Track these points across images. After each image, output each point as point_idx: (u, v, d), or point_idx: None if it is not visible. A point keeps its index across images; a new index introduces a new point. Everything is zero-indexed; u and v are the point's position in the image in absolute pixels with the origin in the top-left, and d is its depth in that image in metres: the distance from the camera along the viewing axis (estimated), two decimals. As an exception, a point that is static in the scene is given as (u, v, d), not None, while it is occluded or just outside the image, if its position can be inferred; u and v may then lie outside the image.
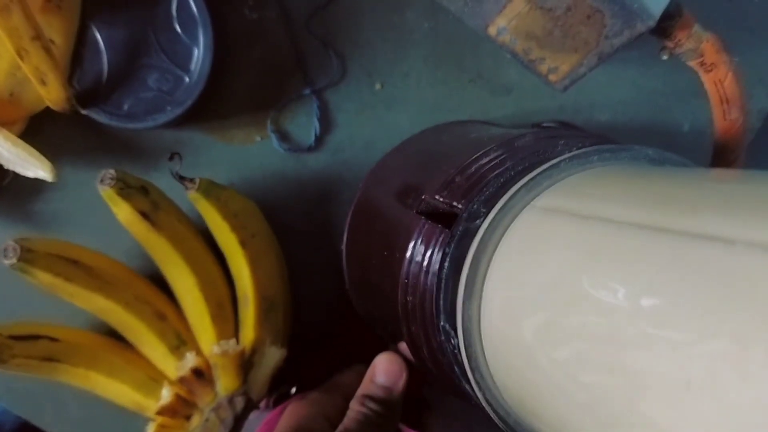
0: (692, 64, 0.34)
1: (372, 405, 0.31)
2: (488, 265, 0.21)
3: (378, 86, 0.40)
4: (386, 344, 0.37)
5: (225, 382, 0.33)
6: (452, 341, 0.21)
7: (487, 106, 0.41)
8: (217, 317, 0.35)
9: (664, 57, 0.34)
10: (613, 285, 0.16)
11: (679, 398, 0.14)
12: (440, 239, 0.24)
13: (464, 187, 0.24)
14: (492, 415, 0.21)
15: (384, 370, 0.32)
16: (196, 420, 0.33)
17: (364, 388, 0.32)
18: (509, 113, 0.41)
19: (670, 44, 0.33)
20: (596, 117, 0.41)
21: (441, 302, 0.22)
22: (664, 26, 0.33)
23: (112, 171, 0.32)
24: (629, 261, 0.15)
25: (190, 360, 0.34)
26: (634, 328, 0.15)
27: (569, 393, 0.17)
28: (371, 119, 0.40)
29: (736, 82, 0.34)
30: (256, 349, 0.35)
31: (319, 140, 0.40)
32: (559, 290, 0.18)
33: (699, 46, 0.33)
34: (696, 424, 0.13)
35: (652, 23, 0.31)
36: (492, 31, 0.34)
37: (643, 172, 0.19)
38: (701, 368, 0.13)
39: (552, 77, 0.35)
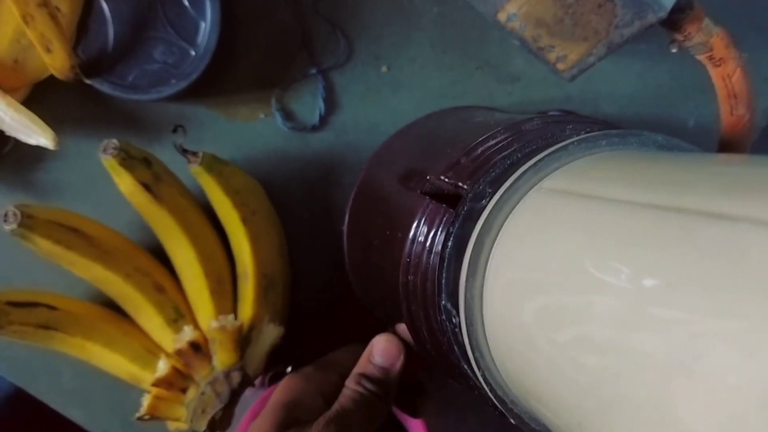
0: (701, 58, 0.34)
1: (368, 384, 0.31)
2: (492, 245, 0.21)
3: (384, 69, 0.40)
4: (384, 327, 0.37)
5: (222, 357, 0.33)
6: (453, 320, 0.21)
7: (493, 93, 0.41)
8: (216, 292, 0.35)
9: (673, 50, 0.34)
10: (617, 265, 0.16)
11: (681, 379, 0.14)
12: (444, 219, 0.24)
13: (470, 168, 0.24)
14: (489, 394, 0.21)
15: (382, 351, 0.32)
16: (192, 393, 0.33)
17: (360, 367, 0.32)
18: (515, 102, 0.41)
19: (679, 37, 0.33)
20: (602, 109, 0.41)
21: (443, 281, 0.22)
22: (675, 19, 0.32)
23: (115, 141, 0.32)
24: (633, 240, 0.15)
25: (188, 333, 0.34)
26: (636, 308, 0.15)
27: (570, 375, 0.17)
28: (376, 102, 0.40)
29: (744, 77, 0.34)
30: (254, 326, 0.35)
31: (324, 120, 0.40)
32: (562, 271, 0.18)
33: (708, 40, 0.33)
34: (699, 404, 0.13)
35: (663, 14, 0.31)
36: (502, 17, 0.34)
37: (651, 156, 0.19)
38: (704, 347, 0.13)
39: (560, 66, 0.35)
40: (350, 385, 0.31)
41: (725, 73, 0.34)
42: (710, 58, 0.33)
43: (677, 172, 0.17)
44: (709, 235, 0.13)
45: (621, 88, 0.42)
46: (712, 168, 0.16)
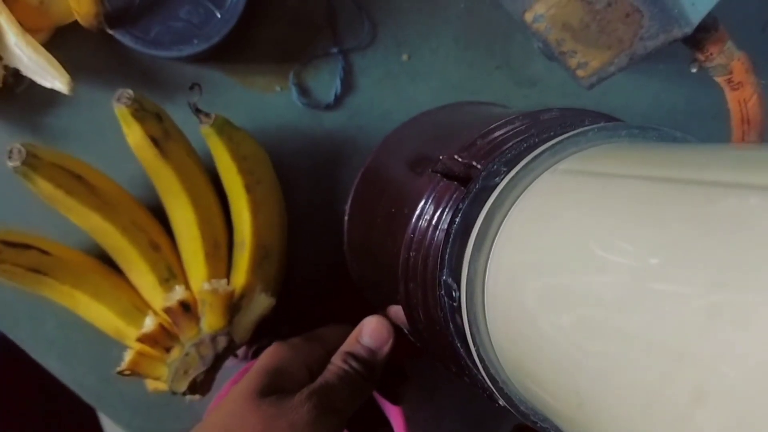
0: (720, 80, 0.34)
1: (354, 363, 0.31)
2: (501, 223, 0.21)
3: (405, 57, 0.40)
4: (375, 312, 0.37)
5: (210, 320, 0.33)
6: (453, 294, 0.21)
7: (510, 95, 0.41)
8: (211, 256, 0.35)
9: (694, 70, 0.35)
10: (624, 244, 0.16)
11: (683, 359, 0.14)
12: (454, 196, 0.24)
13: (485, 149, 0.24)
14: (483, 372, 0.21)
15: (371, 331, 0.31)
16: (176, 352, 0.33)
17: (348, 345, 0.31)
18: (530, 105, 0.41)
19: (701, 57, 0.34)
20: (614, 123, 0.42)
21: (447, 256, 0.22)
22: (699, 38, 0.33)
23: (130, 91, 0.32)
24: (643, 215, 0.15)
25: (179, 292, 0.33)
26: (640, 286, 0.15)
27: (571, 356, 0.17)
28: (393, 89, 0.40)
29: (760, 104, 0.34)
30: (245, 294, 0.35)
31: (339, 100, 0.40)
32: (568, 252, 0.18)
33: (729, 63, 0.33)
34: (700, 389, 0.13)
35: (688, 30, 0.31)
36: (528, 17, 0.34)
37: (669, 144, 0.19)
38: (709, 323, 0.13)
39: (580, 72, 0.35)
40: (336, 361, 0.31)
41: (742, 98, 0.34)
42: (729, 81, 0.34)
43: (692, 154, 0.17)
44: (719, 207, 0.13)
45: (635, 105, 0.42)
46: (728, 150, 0.16)
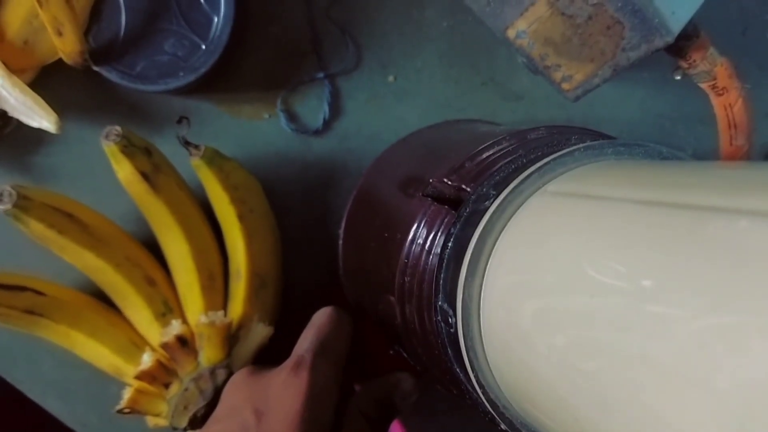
0: (704, 86, 0.34)
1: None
2: (493, 247, 0.21)
3: (391, 78, 0.40)
4: (372, 335, 0.37)
5: (208, 353, 0.33)
6: (450, 320, 0.21)
7: (497, 110, 0.41)
8: (206, 288, 0.34)
9: (677, 77, 0.35)
10: (616, 265, 0.16)
11: (678, 381, 0.14)
12: (445, 221, 0.24)
13: (474, 171, 0.24)
14: (482, 397, 0.21)
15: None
16: (175, 388, 0.32)
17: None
18: (518, 120, 0.41)
19: (684, 64, 0.34)
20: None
21: (441, 282, 0.22)
22: (681, 45, 0.33)
23: (118, 128, 0.32)
24: (634, 239, 0.15)
25: (176, 327, 0.33)
26: (634, 308, 0.15)
27: (567, 378, 0.17)
28: (380, 110, 0.40)
29: (746, 108, 0.34)
30: (243, 324, 0.34)
31: (327, 125, 0.40)
32: (562, 273, 0.18)
33: (713, 69, 0.33)
34: (696, 406, 0.13)
35: (670, 39, 0.32)
36: (511, 33, 0.34)
37: (655, 163, 0.20)
38: (701, 346, 0.13)
39: (565, 86, 0.35)
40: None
41: (727, 103, 0.34)
42: (713, 86, 0.34)
43: (680, 174, 0.17)
44: (709, 230, 0.13)
45: (622, 114, 0.42)
46: (715, 171, 0.16)
